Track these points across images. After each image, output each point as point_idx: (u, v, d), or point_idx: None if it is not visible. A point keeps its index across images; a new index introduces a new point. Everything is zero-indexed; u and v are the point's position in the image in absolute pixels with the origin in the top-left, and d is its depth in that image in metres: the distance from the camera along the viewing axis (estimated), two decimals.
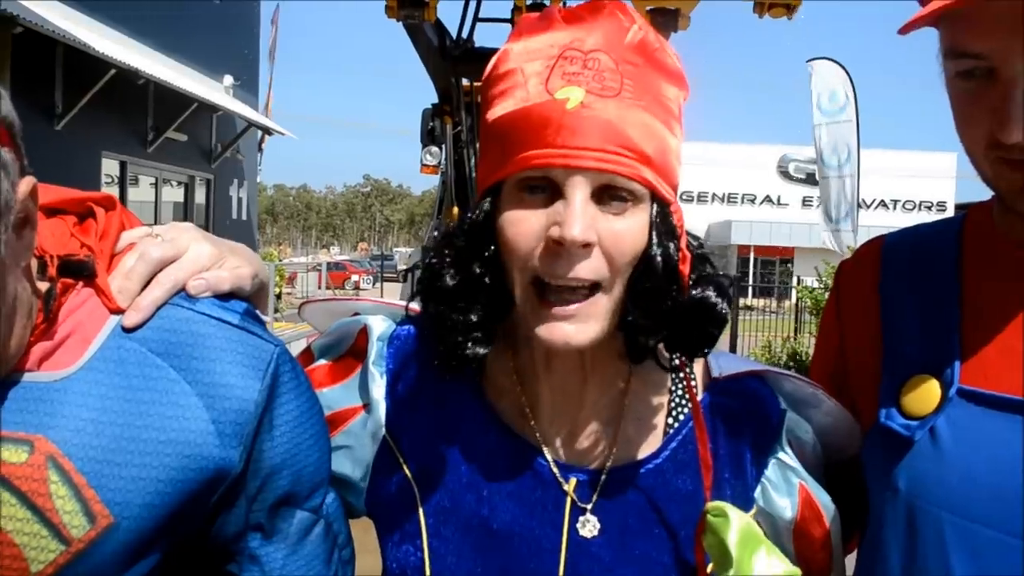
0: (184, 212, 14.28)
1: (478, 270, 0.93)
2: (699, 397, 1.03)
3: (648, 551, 0.98)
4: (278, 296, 18.26)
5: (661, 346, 0.97)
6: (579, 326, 0.89)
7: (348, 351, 1.08)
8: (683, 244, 0.93)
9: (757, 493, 1.02)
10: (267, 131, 15.28)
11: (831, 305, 1.18)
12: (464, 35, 4.85)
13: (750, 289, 14.13)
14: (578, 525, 0.98)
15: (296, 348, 1.10)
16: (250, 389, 0.88)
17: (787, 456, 1.03)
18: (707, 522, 0.95)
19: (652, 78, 0.90)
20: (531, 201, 0.89)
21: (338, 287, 35.65)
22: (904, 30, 0.88)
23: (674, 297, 0.92)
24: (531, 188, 0.89)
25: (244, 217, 16.60)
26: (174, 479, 0.84)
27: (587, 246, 0.87)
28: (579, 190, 0.86)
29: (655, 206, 0.91)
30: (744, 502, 1.00)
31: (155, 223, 0.99)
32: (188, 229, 0.94)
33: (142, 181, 13.31)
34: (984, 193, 1.00)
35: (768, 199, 40.32)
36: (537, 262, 0.89)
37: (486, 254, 0.93)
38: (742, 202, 40.14)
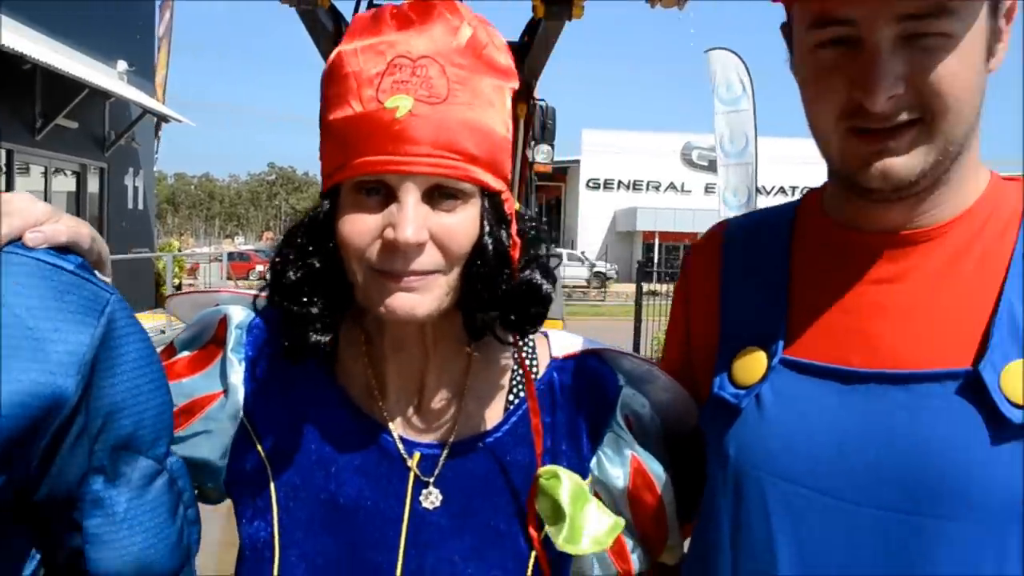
0: (76, 201, 13.80)
1: (318, 265, 1.00)
2: (540, 374, 1.10)
3: (487, 519, 1.05)
4: (178, 287, 17.82)
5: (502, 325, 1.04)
6: (420, 297, 0.96)
7: (209, 341, 1.11)
8: (514, 231, 1.00)
9: (593, 464, 1.09)
10: (163, 118, 14.88)
11: (678, 291, 1.22)
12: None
13: (655, 274, 14.38)
14: (421, 497, 1.04)
15: None
16: (86, 325, 0.89)
17: (621, 429, 1.10)
18: (539, 485, 1.02)
19: (480, 77, 0.95)
20: (367, 203, 0.95)
21: (241, 277, 34.92)
22: None
23: (505, 279, 0.99)
24: (367, 190, 0.94)
25: (141, 207, 16.12)
26: (12, 401, 0.83)
27: (420, 245, 0.93)
28: (411, 194, 0.93)
29: (486, 199, 0.98)
30: (580, 472, 1.06)
31: None
32: (24, 195, 0.95)
33: (32, 170, 12.82)
34: None
35: (672, 186, 41.07)
36: (375, 258, 0.95)
37: (327, 250, 0.99)
38: (647, 189, 40.79)
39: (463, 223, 0.96)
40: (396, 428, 1.07)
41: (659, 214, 37.36)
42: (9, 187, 11.76)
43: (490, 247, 0.98)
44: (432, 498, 1.04)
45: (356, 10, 4.73)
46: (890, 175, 0.91)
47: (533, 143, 7.02)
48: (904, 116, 0.89)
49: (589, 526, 1.01)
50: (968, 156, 0.97)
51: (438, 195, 0.94)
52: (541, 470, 1.03)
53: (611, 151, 39.56)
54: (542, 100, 7.05)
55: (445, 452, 1.06)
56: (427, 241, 0.94)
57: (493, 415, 1.08)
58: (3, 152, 11.69)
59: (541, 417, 1.06)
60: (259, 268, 37.01)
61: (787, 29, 1.01)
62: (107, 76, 13.36)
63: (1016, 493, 0.86)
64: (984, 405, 0.88)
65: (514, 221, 1.00)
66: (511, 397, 1.09)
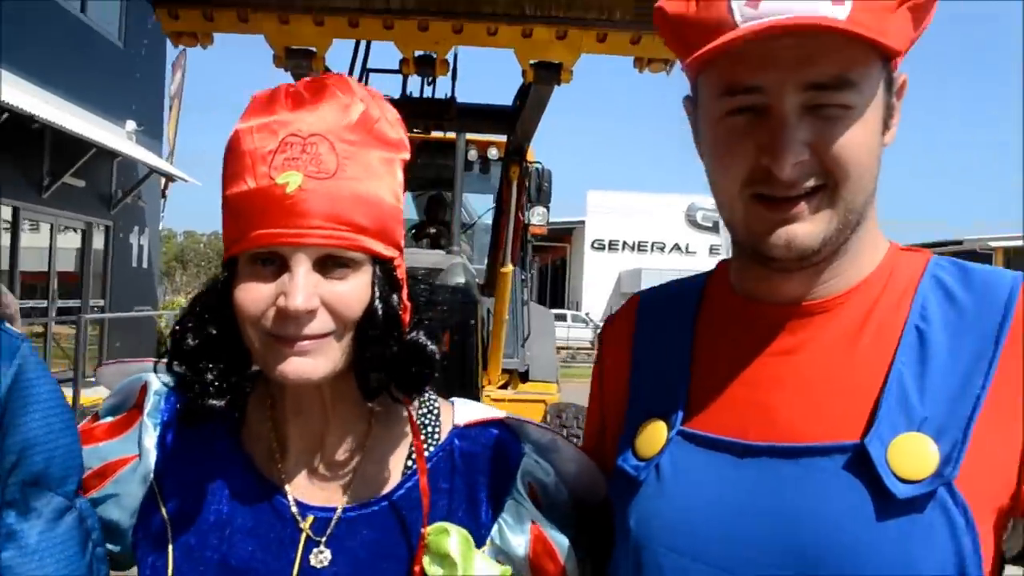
0: (81, 259, 13.87)
1: (215, 332, 1.06)
2: (441, 440, 1.14)
3: None
4: None
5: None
6: (314, 361, 1.00)
7: (131, 407, 1.16)
8: (404, 295, 1.06)
9: (494, 531, 1.11)
10: (170, 177, 15.04)
11: (595, 364, 1.22)
12: None
13: None
14: (311, 556, 1.07)
15: None
16: None
17: (522, 497, 1.12)
18: (427, 543, 1.05)
19: (369, 151, 1.01)
20: (262, 273, 1.00)
21: None
22: (691, 64, 0.92)
23: (395, 341, 1.04)
24: (262, 261, 1.00)
25: (145, 265, 16.20)
26: None
27: (311, 311, 0.98)
28: (302, 264, 0.98)
29: (377, 266, 1.03)
30: (477, 539, 1.08)
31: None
32: None
33: (40, 227, 12.93)
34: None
35: (677, 247, 41.21)
36: (269, 324, 1.00)
37: (225, 318, 1.04)
38: (652, 250, 40.92)
39: (353, 290, 1.00)
40: (293, 491, 1.10)
41: (664, 275, 37.02)
42: (15, 243, 11.87)
43: (380, 311, 1.02)
44: (321, 557, 1.07)
45: (351, 73, 4.79)
46: (793, 243, 0.92)
47: (529, 205, 7.07)
48: (808, 183, 0.91)
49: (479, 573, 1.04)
50: (866, 226, 0.98)
51: (330, 264, 0.99)
52: (429, 528, 1.06)
53: (616, 212, 39.79)
54: (538, 163, 7.12)
55: (337, 514, 1.08)
56: (318, 307, 0.99)
57: (390, 478, 1.11)
58: (9, 209, 11.81)
59: (439, 483, 1.10)
60: None
61: (690, 103, 1.03)
62: (115, 135, 13.53)
63: (901, 569, 0.85)
64: (870, 480, 0.87)
65: (404, 286, 1.06)
66: (409, 462, 1.12)
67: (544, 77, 3.94)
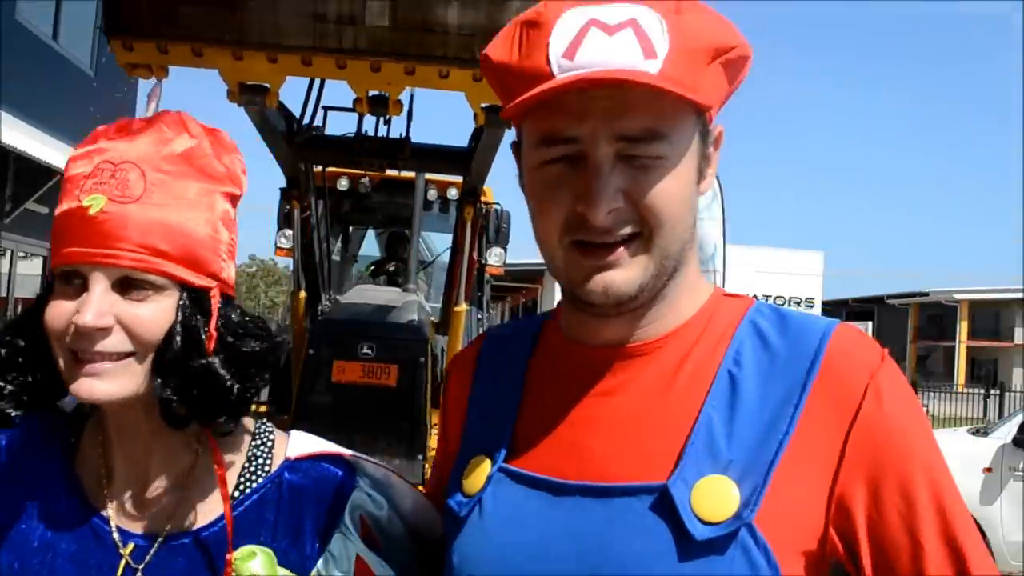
0: (42, 286, 13.72)
1: (23, 343, 1.10)
2: (271, 471, 1.16)
3: None
4: None
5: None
6: (108, 382, 1.03)
7: None
8: (212, 325, 1.08)
9: (320, 564, 1.14)
10: None
11: (440, 403, 1.25)
12: (307, 122, 4.87)
13: None
14: None
15: None
16: None
17: (348, 530, 1.15)
18: (234, 567, 1.07)
19: (186, 182, 1.07)
20: (68, 290, 1.04)
21: None
22: (505, 115, 0.96)
23: (194, 369, 1.06)
24: (69, 279, 1.04)
25: None
26: None
27: (104, 329, 1.01)
28: (99, 283, 1.02)
29: (185, 293, 1.06)
30: (300, 570, 1.11)
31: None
32: None
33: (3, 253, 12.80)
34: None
35: None
36: (69, 340, 1.03)
37: (40, 333, 1.07)
38: None
39: (152, 312, 1.04)
40: (116, 517, 1.12)
41: None
42: None
43: (178, 336, 1.05)
44: None
45: (302, 112, 4.81)
46: (611, 289, 0.95)
47: (488, 245, 7.10)
48: (624, 230, 0.94)
49: None
50: (684, 272, 1.01)
51: (130, 286, 1.03)
52: (236, 552, 1.08)
53: None
54: (498, 204, 7.17)
55: (158, 542, 1.10)
56: (111, 326, 1.02)
57: (214, 508, 1.12)
58: None
59: (264, 514, 1.13)
60: None
61: (517, 148, 1.06)
62: None
63: None
64: (673, 521, 0.90)
65: (215, 316, 1.08)
66: (236, 493, 1.14)
67: (494, 121, 3.98)
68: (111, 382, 1.03)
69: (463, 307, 5.62)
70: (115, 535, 1.10)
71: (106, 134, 1.08)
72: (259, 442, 1.18)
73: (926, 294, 48.00)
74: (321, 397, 4.95)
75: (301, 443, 1.19)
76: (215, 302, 1.09)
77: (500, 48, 0.98)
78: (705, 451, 0.92)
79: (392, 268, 7.35)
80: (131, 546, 1.10)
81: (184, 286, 1.06)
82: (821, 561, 0.93)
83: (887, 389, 0.94)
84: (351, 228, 8.14)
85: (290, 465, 1.16)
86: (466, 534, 1.02)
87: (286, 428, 4.01)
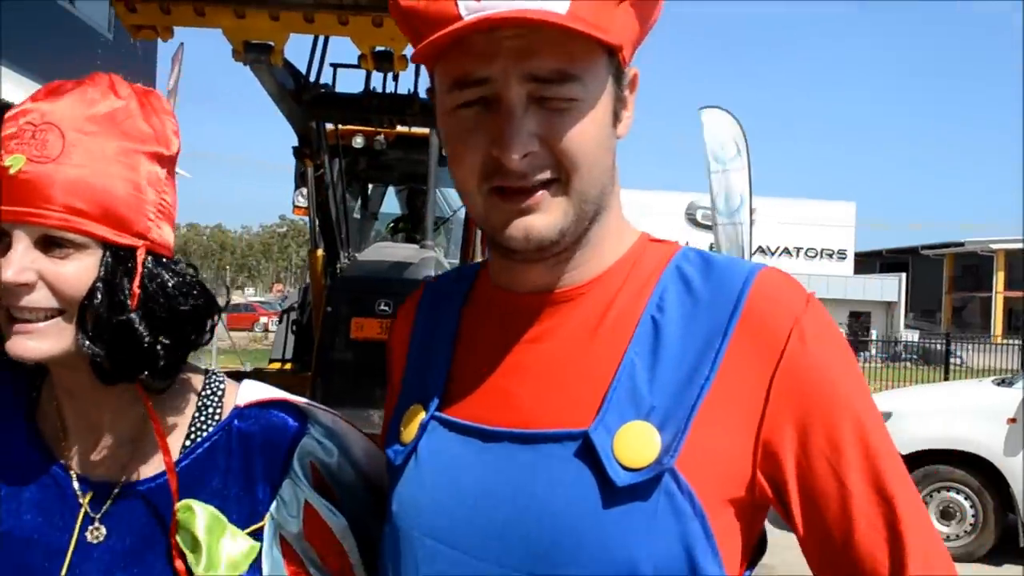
0: None
1: None
2: (221, 419, 1.18)
3: (147, 556, 1.12)
4: None
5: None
6: (38, 341, 1.05)
7: None
8: (136, 283, 1.09)
9: (272, 508, 1.16)
10: None
11: (386, 355, 1.23)
12: (313, 79, 4.85)
13: None
14: (87, 532, 1.12)
15: None
16: None
17: (297, 476, 1.17)
18: (178, 520, 1.10)
19: (107, 141, 1.07)
20: (1, 248, 1.06)
21: (247, 329, 35.05)
22: (415, 59, 0.94)
23: (117, 326, 1.07)
24: (0, 237, 1.06)
25: None
26: None
27: (27, 285, 1.03)
28: (20, 241, 1.04)
29: (108, 252, 1.07)
30: (252, 515, 1.14)
31: None
32: None
33: None
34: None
35: None
36: (2, 298, 1.05)
37: None
38: None
39: (74, 270, 1.05)
40: (76, 467, 1.15)
41: None
42: None
43: (99, 293, 1.06)
44: (97, 533, 1.11)
45: (308, 70, 4.79)
46: (531, 234, 0.94)
47: None
48: (542, 175, 0.93)
49: (224, 551, 1.10)
50: (608, 216, 1.00)
51: (51, 244, 1.05)
52: (177, 505, 1.10)
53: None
54: None
55: (116, 491, 1.13)
56: (34, 282, 1.04)
57: (164, 460, 1.14)
58: None
59: (217, 461, 1.15)
60: (263, 320, 37.29)
61: (432, 95, 1.04)
62: None
63: (624, 557, 0.87)
64: (596, 468, 0.89)
65: (139, 275, 1.09)
66: (187, 442, 1.16)
67: (379, 63, 3.96)
68: (41, 341, 1.05)
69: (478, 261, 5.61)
70: (75, 484, 1.13)
71: (36, 96, 1.09)
72: (209, 391, 1.21)
73: (961, 244, 47.36)
74: (341, 354, 5.02)
75: (250, 391, 1.20)
76: (140, 260, 1.10)
77: None
78: (627, 397, 0.92)
79: (410, 224, 7.35)
80: (89, 495, 1.13)
81: (107, 245, 1.08)
82: (751, 507, 0.93)
83: (812, 332, 0.92)
84: (370, 186, 8.13)
85: (239, 412, 1.18)
86: (403, 482, 1.02)
87: (310, 385, 4.04)
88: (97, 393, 1.13)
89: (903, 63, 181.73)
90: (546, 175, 0.93)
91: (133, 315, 1.08)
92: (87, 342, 1.07)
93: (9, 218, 1.03)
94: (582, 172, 0.93)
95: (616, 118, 0.98)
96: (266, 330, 34.19)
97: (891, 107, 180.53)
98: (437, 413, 1.02)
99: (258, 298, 63.39)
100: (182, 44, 18.44)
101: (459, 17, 0.89)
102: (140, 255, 1.10)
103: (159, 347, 1.10)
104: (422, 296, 1.19)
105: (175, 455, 1.15)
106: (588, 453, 0.90)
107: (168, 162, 1.14)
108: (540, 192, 0.93)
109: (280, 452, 1.17)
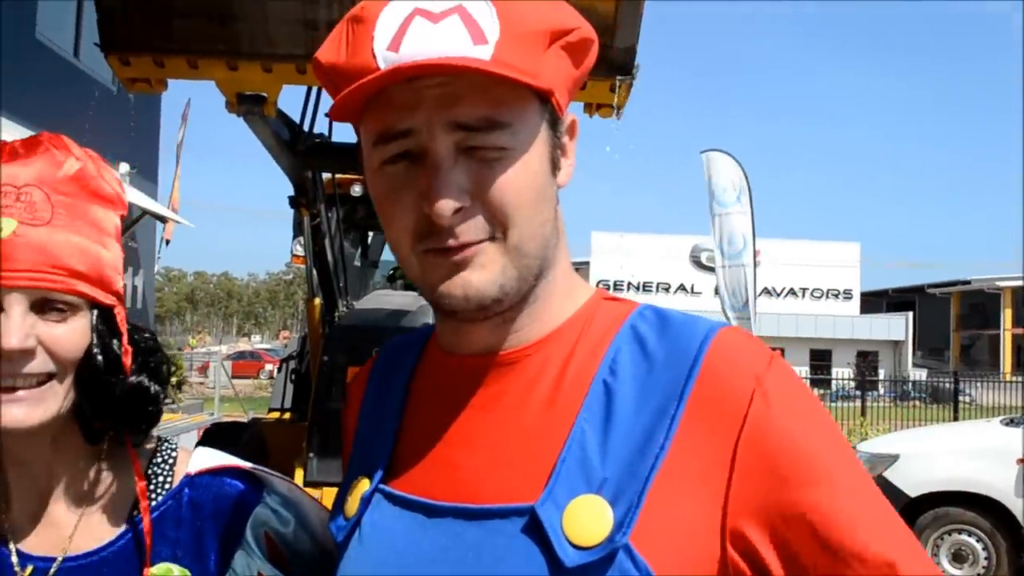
0: None
1: None
2: (171, 487, 1.15)
3: None
4: (178, 385, 17.83)
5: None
6: (32, 407, 1.02)
7: None
8: (125, 341, 1.10)
9: None
10: (161, 219, 15.10)
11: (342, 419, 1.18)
12: (308, 129, 4.87)
13: None
14: None
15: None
16: None
17: (250, 547, 1.14)
18: None
19: (87, 204, 1.07)
20: None
21: (252, 377, 35.00)
22: (333, 116, 0.90)
23: (117, 384, 1.09)
24: None
25: (139, 305, 16.25)
26: None
27: (28, 351, 1.01)
28: (16, 305, 1.01)
29: (96, 312, 1.08)
30: None
31: None
32: None
33: None
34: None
35: (682, 287, 41.13)
36: None
37: None
38: (657, 291, 40.81)
39: (71, 332, 1.05)
40: (15, 539, 1.10)
41: None
42: None
43: (98, 354, 1.07)
44: None
45: (301, 119, 4.81)
46: (470, 291, 0.88)
47: None
48: (475, 233, 0.87)
49: None
50: (554, 272, 0.95)
51: (47, 307, 1.03)
52: (152, 569, 1.08)
53: (620, 253, 39.78)
54: None
55: (56, 564, 1.09)
56: (36, 347, 1.02)
57: (115, 528, 1.11)
58: None
59: (166, 532, 1.12)
60: (268, 367, 37.20)
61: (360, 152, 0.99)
62: None
63: None
64: (544, 546, 0.83)
65: (124, 332, 1.10)
66: (135, 511, 1.12)
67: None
68: (36, 407, 1.03)
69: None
70: (13, 558, 1.09)
71: (2, 159, 1.06)
72: (160, 459, 1.18)
73: (968, 282, 47.24)
74: (337, 404, 4.96)
75: (202, 458, 1.17)
76: (121, 319, 1.11)
77: (328, 49, 0.91)
78: (578, 469, 0.85)
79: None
80: (29, 568, 1.09)
81: (94, 305, 1.08)
82: None
83: (776, 393, 0.85)
84: (370, 234, 8.14)
85: (190, 481, 1.15)
86: (346, 558, 0.96)
87: (306, 434, 3.99)
88: (52, 458, 1.10)
89: (906, 100, 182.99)
90: (478, 232, 0.87)
91: (137, 376, 1.11)
92: (87, 403, 1.07)
93: (10, 283, 1.00)
94: (519, 226, 0.87)
95: (555, 166, 0.92)
96: (271, 377, 34.08)
97: (894, 144, 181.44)
98: (381, 486, 0.96)
99: (265, 345, 63.37)
100: (189, 100, 18.70)
101: (376, 69, 0.85)
102: (120, 313, 1.11)
103: (161, 396, 1.12)
104: (373, 365, 1.13)
105: (121, 526, 1.11)
106: (535, 530, 0.83)
107: (123, 219, 1.14)
108: (477, 246, 0.88)
109: (233, 521, 1.13)
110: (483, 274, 0.88)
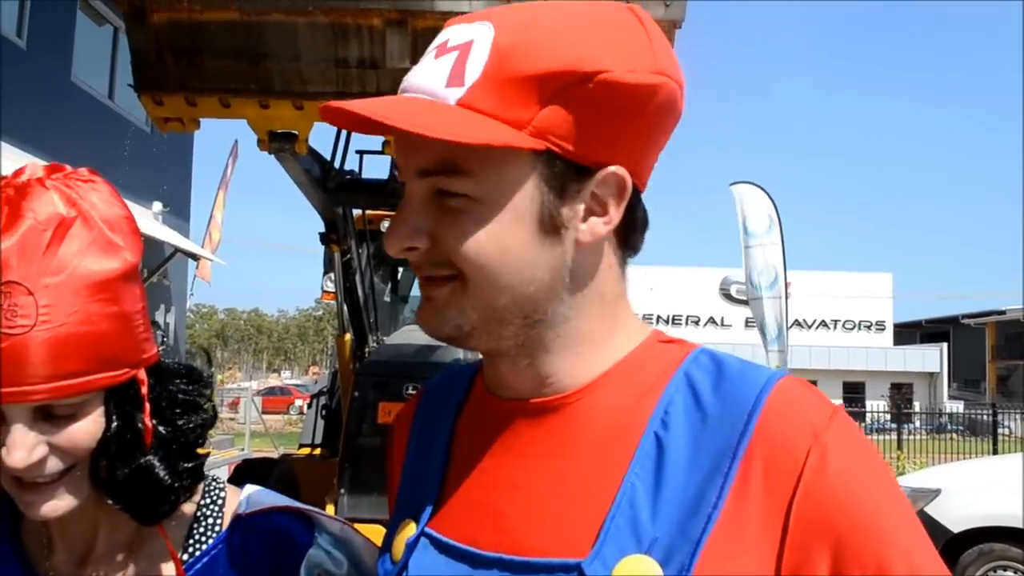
0: None
1: None
2: (221, 530, 1.10)
3: None
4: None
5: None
6: (57, 500, 0.97)
7: None
8: (147, 418, 1.01)
9: None
10: (194, 257, 15.27)
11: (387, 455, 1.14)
12: (339, 165, 4.90)
13: None
14: None
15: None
16: None
17: None
18: None
19: (82, 281, 0.94)
20: None
21: (282, 412, 35.12)
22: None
23: (126, 468, 1.00)
24: None
25: (171, 342, 16.39)
26: None
27: (37, 463, 0.94)
28: (17, 419, 0.93)
29: (109, 394, 0.99)
30: None
31: None
32: None
33: None
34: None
35: (712, 320, 40.99)
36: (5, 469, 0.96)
37: None
38: (687, 323, 40.69)
39: (83, 427, 0.97)
40: None
41: None
42: None
43: (112, 443, 0.99)
44: None
45: (332, 157, 4.84)
46: (424, 325, 0.87)
47: None
48: (431, 271, 0.85)
49: None
50: (572, 325, 0.89)
51: (52, 413, 0.95)
52: None
53: (650, 286, 39.69)
54: None
55: None
56: (45, 456, 0.95)
57: (164, 573, 1.07)
58: None
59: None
60: (298, 403, 37.36)
61: None
62: (141, 216, 13.81)
63: None
64: None
65: (147, 405, 1.01)
66: (185, 556, 1.08)
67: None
68: (60, 499, 0.98)
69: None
70: None
71: None
72: (208, 500, 1.13)
73: (1003, 312, 46.63)
74: (368, 440, 4.94)
75: (253, 499, 1.13)
76: (143, 387, 1.01)
77: None
78: (628, 527, 0.80)
79: None
80: None
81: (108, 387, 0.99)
82: None
83: (835, 451, 0.80)
84: (400, 269, 8.17)
85: (241, 523, 1.10)
86: None
87: (338, 471, 3.95)
88: (95, 511, 1.05)
89: (936, 128, 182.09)
90: (432, 271, 0.85)
91: (152, 456, 1.02)
92: (105, 493, 1.01)
93: (4, 401, 0.92)
94: (476, 278, 0.83)
95: (552, 225, 0.84)
96: (301, 413, 34.17)
97: (924, 173, 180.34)
98: (427, 530, 0.92)
99: (295, 381, 63.64)
100: (236, 141, 18.98)
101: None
102: (143, 382, 1.01)
103: (178, 485, 1.03)
104: (420, 400, 1.09)
105: (171, 571, 1.07)
106: None
107: (136, 266, 1.02)
108: (437, 282, 0.85)
109: (286, 565, 1.09)
110: (436, 313, 0.86)
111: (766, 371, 0.86)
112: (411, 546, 0.92)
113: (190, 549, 1.09)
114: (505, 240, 0.83)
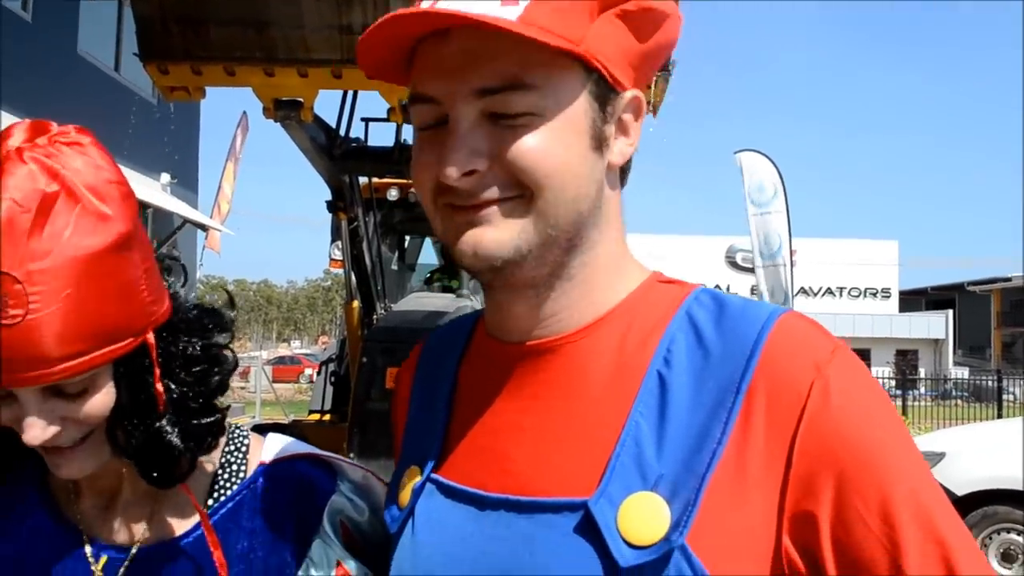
0: None
1: None
2: (246, 477, 1.12)
3: None
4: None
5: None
6: (79, 462, 1.01)
7: None
8: (158, 387, 1.02)
9: (302, 570, 1.10)
10: (203, 228, 15.27)
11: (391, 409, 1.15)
12: (344, 133, 4.91)
13: None
14: None
15: None
16: None
17: (328, 536, 1.11)
18: None
19: (60, 258, 0.91)
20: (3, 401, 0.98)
21: (292, 381, 35.28)
22: (365, 68, 0.88)
23: (143, 431, 1.02)
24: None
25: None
26: None
27: (54, 436, 0.97)
28: (29, 400, 0.95)
29: (118, 363, 0.99)
30: None
31: None
32: None
33: None
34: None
35: (718, 288, 40.61)
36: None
37: None
38: None
39: (94, 400, 0.98)
40: (89, 530, 1.10)
41: None
42: None
43: (125, 410, 1.01)
44: None
45: (337, 124, 4.84)
46: (480, 249, 0.84)
47: None
48: (490, 192, 0.84)
49: None
50: (596, 253, 0.90)
51: (62, 390, 0.96)
52: None
53: (655, 255, 39.59)
54: None
55: (131, 554, 1.08)
56: (60, 429, 0.97)
57: (189, 519, 1.10)
58: None
59: (241, 522, 1.10)
60: (308, 372, 37.48)
61: None
62: (149, 188, 13.81)
63: None
64: (598, 544, 0.79)
65: (157, 369, 1.01)
66: (211, 501, 1.11)
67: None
68: (83, 462, 1.01)
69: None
70: (87, 548, 1.08)
71: None
72: (233, 447, 1.14)
73: (1008, 279, 46.43)
74: (377, 404, 5.00)
75: (277, 446, 1.15)
76: (154, 353, 1.01)
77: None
78: (633, 465, 0.81)
79: (447, 275, 7.36)
80: (104, 559, 1.08)
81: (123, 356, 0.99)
82: None
83: (837, 385, 0.80)
84: (407, 237, 8.18)
85: (265, 469, 1.12)
86: (399, 549, 0.94)
87: (346, 435, 3.99)
88: (117, 463, 1.07)
89: (942, 97, 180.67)
90: (494, 193, 0.84)
91: (162, 422, 1.03)
92: (124, 456, 1.03)
93: (7, 385, 0.93)
94: (546, 191, 0.83)
95: (599, 141, 0.87)
96: (311, 381, 34.30)
97: (930, 141, 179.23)
98: (433, 476, 0.94)
99: (304, 350, 63.69)
100: (245, 112, 18.85)
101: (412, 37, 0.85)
102: (151, 344, 1.01)
103: (194, 445, 1.05)
104: (422, 351, 1.10)
105: (195, 517, 1.10)
106: (589, 527, 0.80)
107: (137, 235, 0.98)
108: (494, 206, 0.84)
109: (309, 511, 1.11)
110: (496, 233, 0.84)
111: (768, 307, 0.86)
112: (417, 492, 0.94)
113: (215, 495, 1.11)
114: (567, 153, 0.84)
